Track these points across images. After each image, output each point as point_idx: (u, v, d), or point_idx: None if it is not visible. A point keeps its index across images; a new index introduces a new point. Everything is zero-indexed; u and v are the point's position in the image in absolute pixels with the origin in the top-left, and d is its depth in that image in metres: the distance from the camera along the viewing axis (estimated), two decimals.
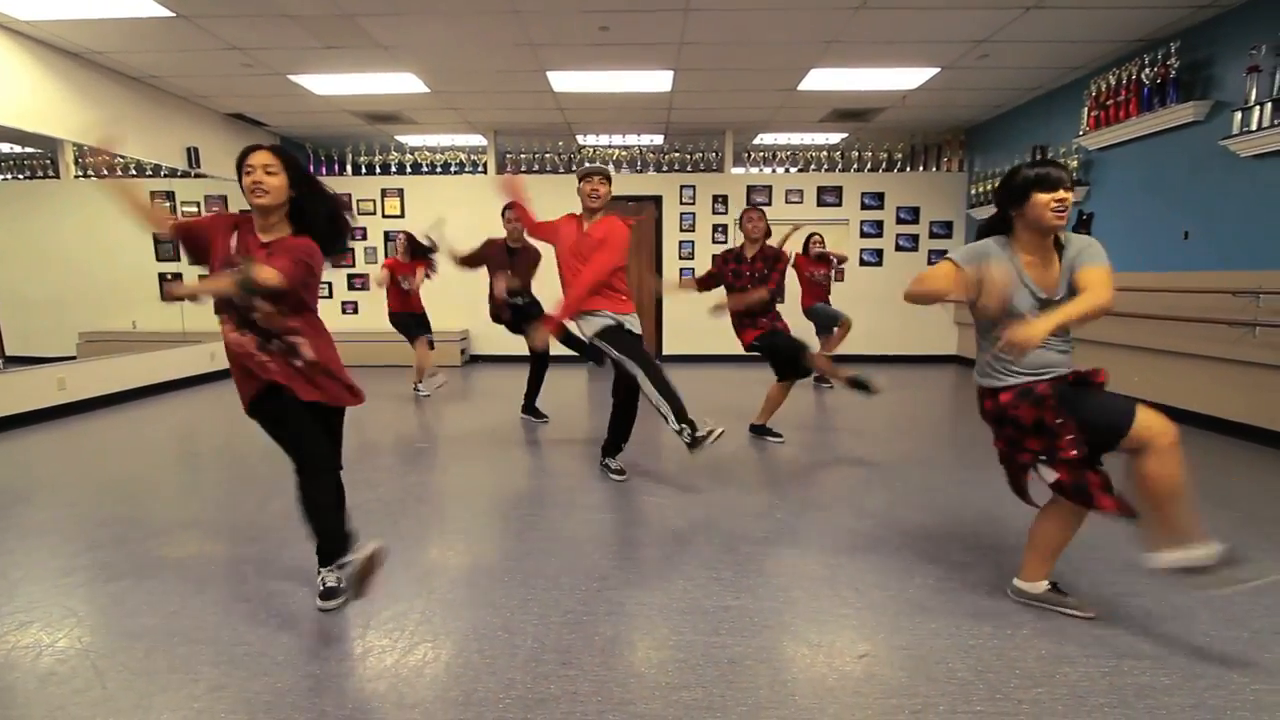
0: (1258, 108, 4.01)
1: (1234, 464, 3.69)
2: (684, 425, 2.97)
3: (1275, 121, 3.90)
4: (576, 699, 1.62)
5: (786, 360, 4.01)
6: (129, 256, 7.02)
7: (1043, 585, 2.05)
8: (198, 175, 6.56)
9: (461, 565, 2.44)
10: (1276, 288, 3.92)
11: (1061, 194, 1.82)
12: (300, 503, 2.00)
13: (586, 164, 5.53)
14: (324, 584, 2.04)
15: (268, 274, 1.78)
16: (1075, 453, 1.87)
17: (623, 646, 1.88)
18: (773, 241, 4.06)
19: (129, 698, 1.64)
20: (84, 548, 2.57)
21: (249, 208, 1.97)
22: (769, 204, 7.76)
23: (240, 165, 1.92)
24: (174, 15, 4.29)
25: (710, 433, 2.95)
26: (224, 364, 6.95)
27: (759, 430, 4.22)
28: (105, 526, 2.81)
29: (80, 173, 6.80)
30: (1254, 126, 4.03)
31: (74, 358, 6.00)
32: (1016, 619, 1.98)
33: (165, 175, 6.67)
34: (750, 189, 7.77)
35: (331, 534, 2.00)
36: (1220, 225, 4.39)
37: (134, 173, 6.74)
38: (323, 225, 2.00)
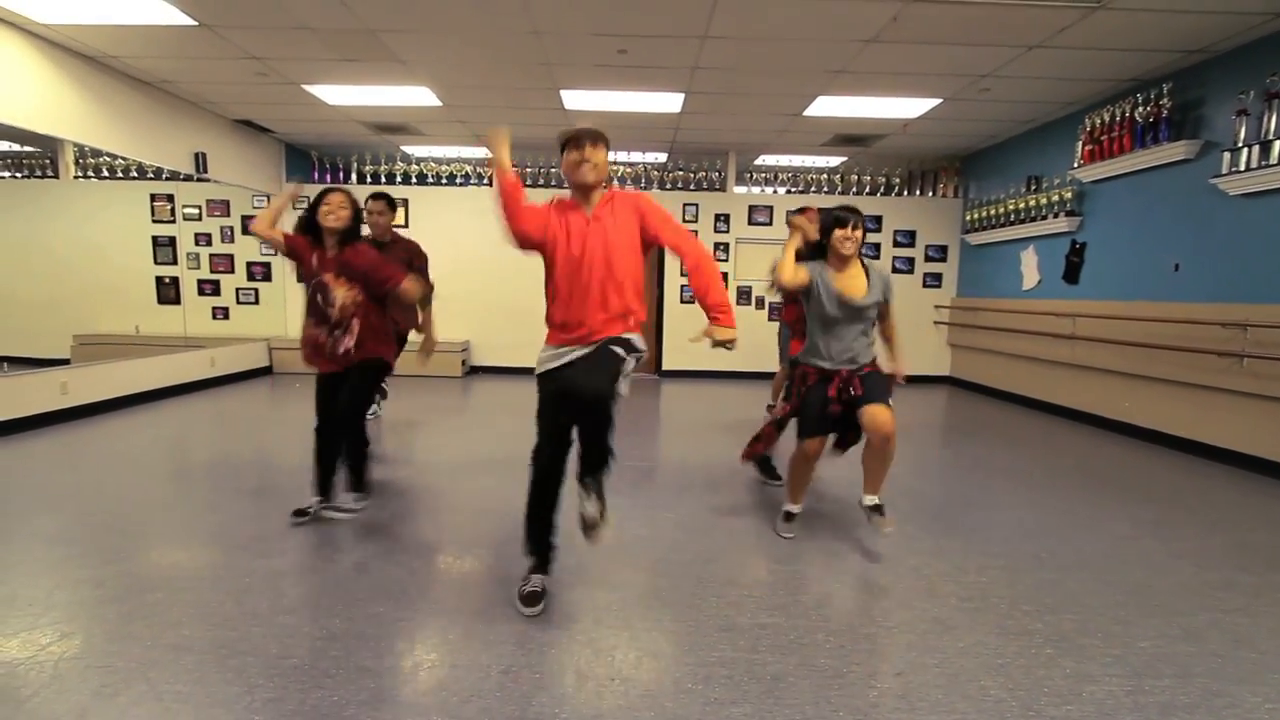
0: (1246, 149, 4.22)
1: (1222, 490, 3.84)
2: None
3: (1262, 163, 4.11)
4: (631, 712, 1.68)
5: None
6: (126, 259, 6.97)
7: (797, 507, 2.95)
8: (201, 179, 6.54)
9: (498, 580, 2.47)
10: (1263, 320, 4.11)
11: (849, 230, 2.66)
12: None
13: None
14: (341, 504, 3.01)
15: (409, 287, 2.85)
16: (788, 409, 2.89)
17: (667, 662, 1.93)
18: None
19: (186, 712, 1.66)
20: (110, 558, 2.57)
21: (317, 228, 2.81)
22: (769, 224, 7.92)
23: (320, 199, 2.81)
24: (197, 24, 4.33)
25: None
26: (225, 369, 6.97)
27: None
28: (128, 536, 2.81)
29: (80, 173, 6.76)
30: (1242, 167, 4.24)
31: (68, 361, 5.93)
32: (1039, 638, 2.08)
33: (166, 178, 6.65)
34: (752, 208, 7.92)
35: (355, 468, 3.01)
36: (1209, 259, 4.59)
37: (134, 175, 6.71)
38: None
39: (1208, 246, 4.60)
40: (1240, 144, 4.25)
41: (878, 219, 7.92)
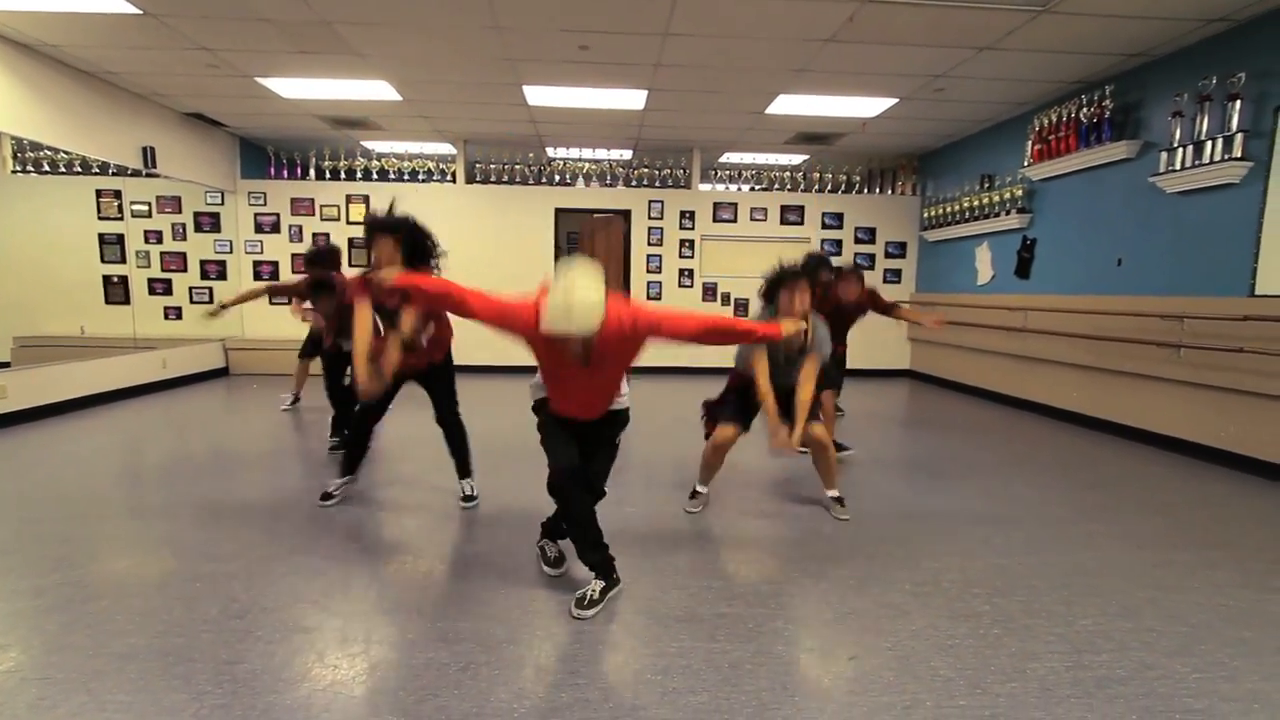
0: (1181, 149, 4.42)
1: (1161, 474, 4.03)
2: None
3: (1196, 162, 4.31)
4: (589, 705, 1.68)
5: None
6: (71, 257, 6.68)
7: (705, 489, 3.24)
8: (150, 175, 6.31)
9: (459, 578, 2.46)
10: (1198, 313, 4.31)
11: (794, 293, 2.89)
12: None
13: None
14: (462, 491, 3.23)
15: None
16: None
17: (626, 654, 1.94)
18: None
19: (129, 719, 1.61)
20: (51, 566, 2.47)
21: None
22: (734, 221, 8.00)
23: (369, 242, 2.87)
24: (142, 13, 4.17)
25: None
26: (178, 371, 6.74)
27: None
28: (71, 543, 2.70)
29: (19, 168, 6.45)
30: (1178, 166, 4.44)
31: (7, 364, 5.67)
32: (989, 619, 2.15)
33: (113, 173, 6.39)
34: (717, 205, 7.98)
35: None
36: (1149, 254, 4.79)
37: (79, 170, 6.44)
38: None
39: (1149, 242, 4.80)
40: (1176, 144, 4.45)
41: (839, 216, 8.06)
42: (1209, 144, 4.22)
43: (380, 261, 2.77)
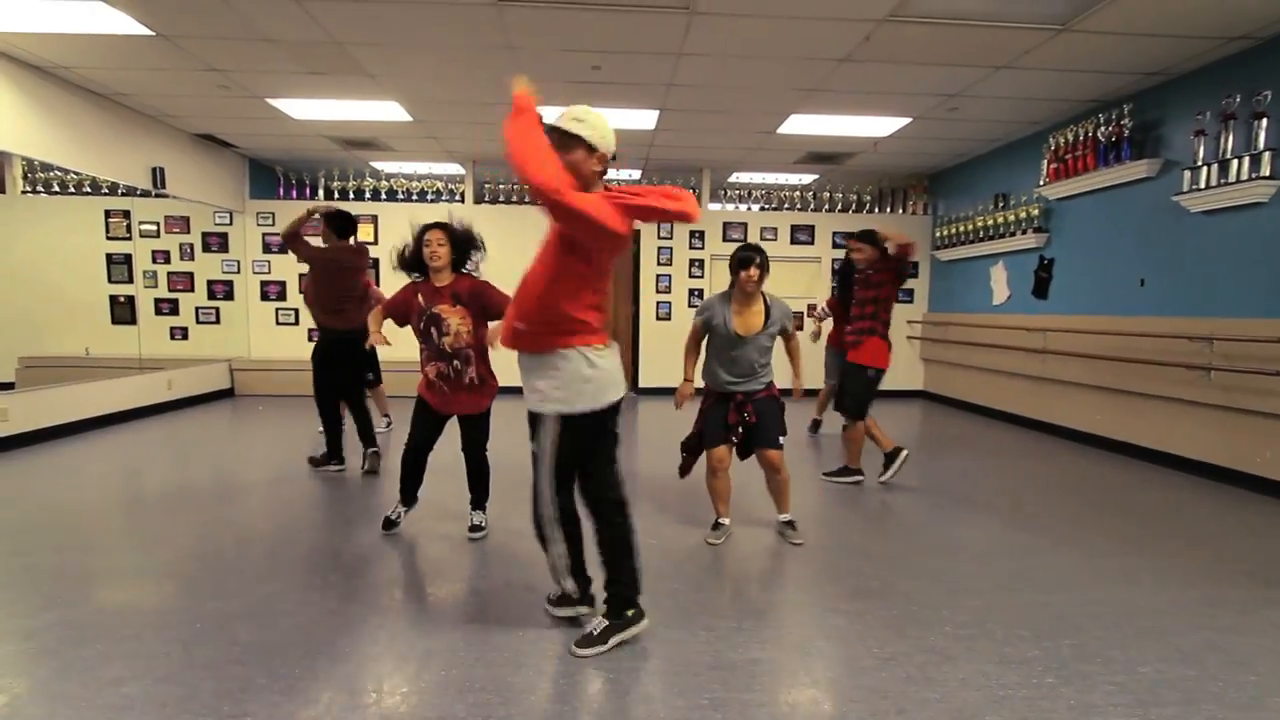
0: (1205, 168, 4.34)
1: (1194, 502, 3.88)
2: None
3: (1221, 181, 4.22)
4: None
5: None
6: (78, 277, 6.65)
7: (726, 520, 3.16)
8: (160, 195, 6.29)
9: (475, 620, 2.33)
10: (1228, 334, 4.20)
11: (751, 270, 2.91)
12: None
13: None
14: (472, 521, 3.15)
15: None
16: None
17: (657, 705, 1.81)
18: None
19: None
20: (43, 605, 2.35)
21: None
22: (744, 240, 7.93)
23: (420, 238, 2.93)
24: (154, 35, 4.15)
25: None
26: (183, 392, 6.66)
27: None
28: (64, 579, 2.59)
29: (29, 188, 6.44)
30: (1202, 185, 4.35)
31: (12, 385, 5.59)
32: (1040, 665, 2.01)
33: (122, 194, 6.37)
34: (727, 225, 7.93)
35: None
36: (1173, 274, 4.69)
37: (88, 190, 6.42)
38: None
39: (1172, 262, 4.70)
40: (1199, 163, 4.37)
41: (850, 235, 7.98)
42: (1234, 163, 4.14)
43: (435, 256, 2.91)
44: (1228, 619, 2.34)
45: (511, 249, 7.84)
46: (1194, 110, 4.44)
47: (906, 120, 5.82)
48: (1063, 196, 5.69)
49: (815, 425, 5.85)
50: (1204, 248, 4.46)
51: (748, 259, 2.91)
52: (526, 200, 7.88)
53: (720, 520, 3.15)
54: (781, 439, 3.07)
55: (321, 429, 4.34)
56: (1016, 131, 6.15)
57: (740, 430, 3.04)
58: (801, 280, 7.95)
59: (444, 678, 1.91)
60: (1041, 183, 5.83)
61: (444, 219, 3.02)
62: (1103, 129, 5.16)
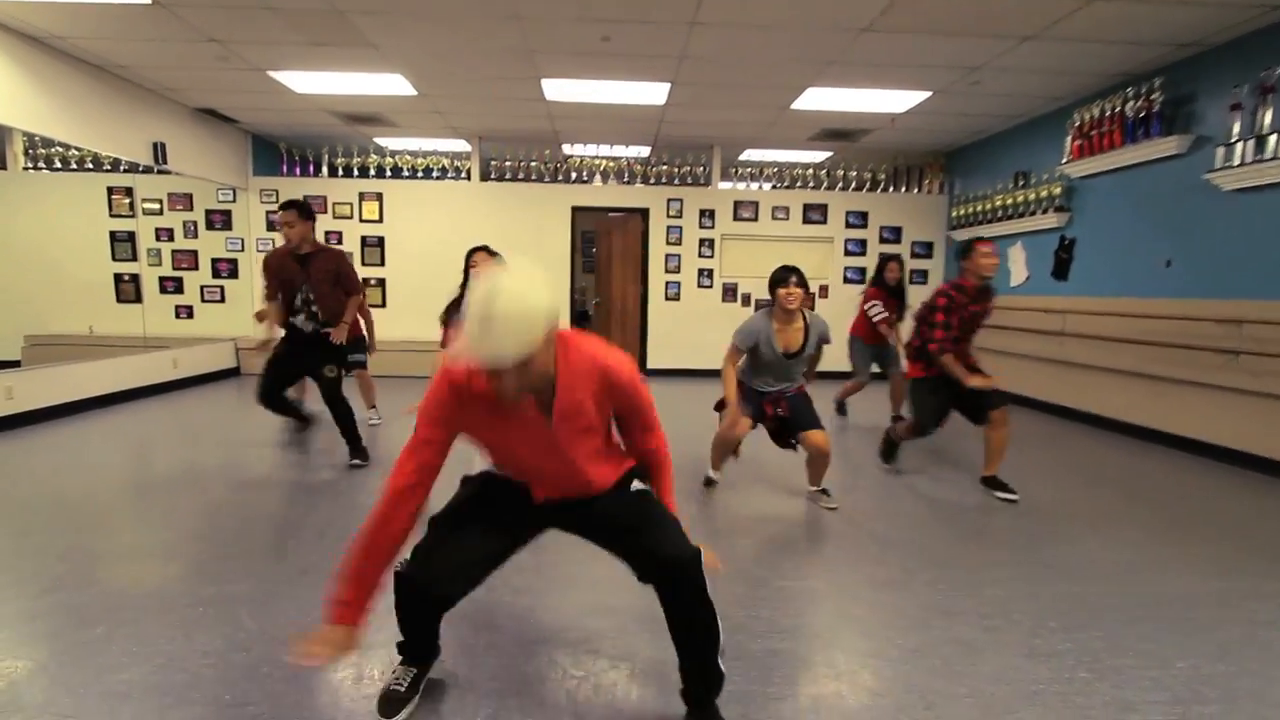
0: (1240, 144, 4.16)
1: (1224, 489, 3.78)
2: None
3: (1257, 158, 4.05)
4: None
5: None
6: (82, 255, 6.58)
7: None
8: (161, 171, 6.19)
9: (482, 607, 2.26)
10: (1259, 317, 4.05)
11: (790, 288, 2.94)
12: None
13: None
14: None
15: None
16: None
17: (673, 698, 1.74)
18: None
19: None
20: (46, 587, 2.30)
21: None
22: (755, 220, 7.78)
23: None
24: (151, 3, 4.02)
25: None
26: (188, 371, 6.60)
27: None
28: (67, 560, 2.54)
29: (31, 164, 6.35)
30: (1236, 162, 4.18)
31: (18, 363, 5.56)
32: (1071, 659, 1.93)
33: (124, 170, 6.28)
34: (737, 204, 7.77)
35: None
36: (1202, 255, 4.53)
37: (90, 167, 6.32)
38: None
39: (1201, 242, 4.54)
40: (1234, 139, 4.19)
41: (863, 215, 7.82)
42: (1272, 138, 3.96)
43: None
44: (1267, 613, 2.25)
45: (518, 227, 7.79)
46: (1229, 83, 4.25)
47: (926, 94, 5.63)
48: (1086, 174, 5.50)
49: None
50: (1234, 227, 4.29)
51: (784, 278, 2.97)
52: (533, 178, 7.73)
53: (712, 476, 3.41)
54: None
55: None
56: (1040, 107, 5.95)
57: (773, 422, 3.16)
58: (813, 260, 7.79)
59: (454, 672, 1.85)
60: (1064, 160, 5.64)
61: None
62: (1131, 104, 4.97)
